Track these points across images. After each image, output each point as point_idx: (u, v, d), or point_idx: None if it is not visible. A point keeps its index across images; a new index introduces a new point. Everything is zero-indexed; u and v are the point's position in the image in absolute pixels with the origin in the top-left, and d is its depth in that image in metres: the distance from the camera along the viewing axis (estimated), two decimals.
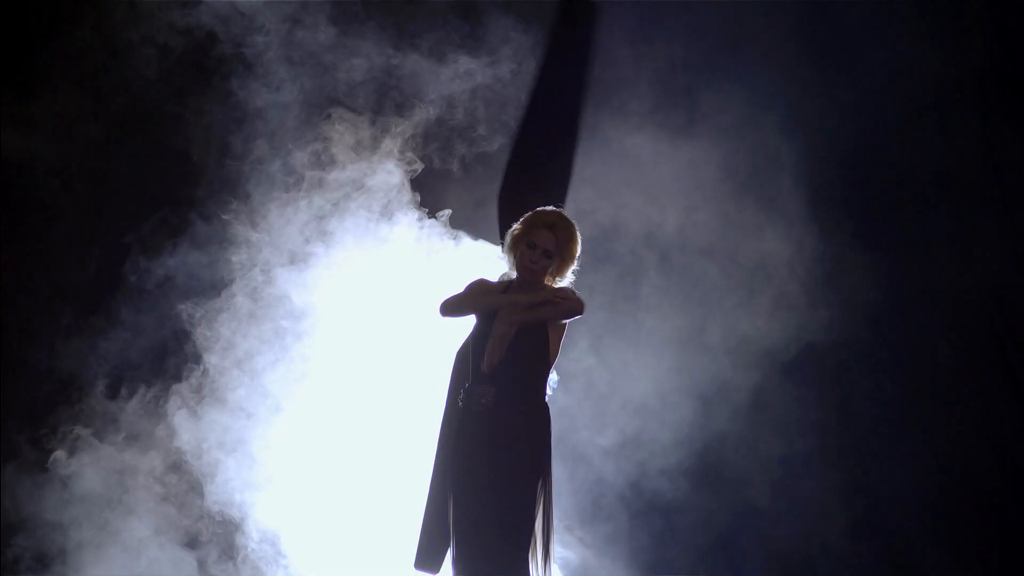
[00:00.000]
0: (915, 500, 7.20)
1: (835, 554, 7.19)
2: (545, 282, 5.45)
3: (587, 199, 7.23)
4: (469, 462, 5.30)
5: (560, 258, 5.44)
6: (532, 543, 5.26)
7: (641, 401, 7.23)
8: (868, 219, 7.36)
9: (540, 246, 5.40)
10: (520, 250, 5.43)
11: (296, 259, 6.80)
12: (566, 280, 5.51)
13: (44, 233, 7.17)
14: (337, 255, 6.81)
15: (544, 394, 5.42)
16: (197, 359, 6.79)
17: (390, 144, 6.91)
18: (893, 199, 7.35)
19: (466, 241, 6.85)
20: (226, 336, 6.76)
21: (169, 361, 6.93)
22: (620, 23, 7.31)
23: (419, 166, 6.96)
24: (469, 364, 5.41)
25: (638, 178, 7.30)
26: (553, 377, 5.56)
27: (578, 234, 5.49)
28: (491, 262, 6.67)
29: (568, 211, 5.69)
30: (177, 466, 6.76)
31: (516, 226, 5.49)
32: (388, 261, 6.77)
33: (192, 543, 6.80)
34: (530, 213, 5.51)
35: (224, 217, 6.89)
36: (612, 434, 7.22)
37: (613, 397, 7.24)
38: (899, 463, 7.24)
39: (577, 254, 5.49)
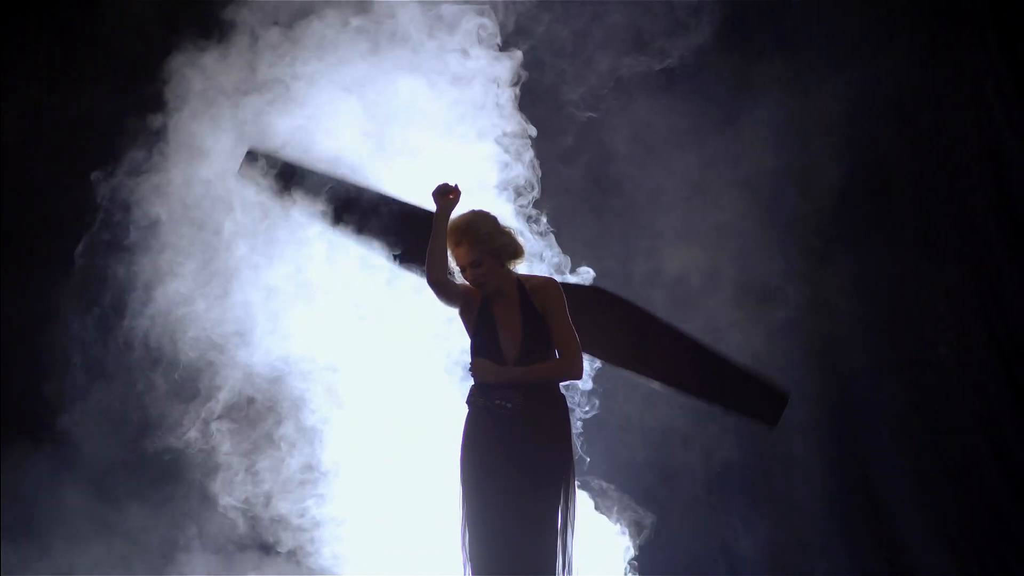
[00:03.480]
0: (915, 500, 7.20)
1: (835, 554, 7.18)
2: (506, 272, 5.24)
3: None
4: (497, 466, 5.13)
5: (488, 254, 5.18)
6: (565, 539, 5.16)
7: (639, 398, 7.19)
8: (867, 219, 7.36)
9: (465, 265, 5.18)
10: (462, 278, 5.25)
11: None
12: (521, 257, 5.26)
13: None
14: None
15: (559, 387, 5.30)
16: None
17: None
18: (892, 199, 7.35)
19: None
20: None
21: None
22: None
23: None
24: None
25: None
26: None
27: (478, 220, 5.19)
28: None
29: None
30: None
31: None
32: None
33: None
34: None
35: None
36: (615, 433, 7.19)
37: (614, 392, 7.18)
38: (899, 463, 7.24)
39: (495, 235, 5.18)
